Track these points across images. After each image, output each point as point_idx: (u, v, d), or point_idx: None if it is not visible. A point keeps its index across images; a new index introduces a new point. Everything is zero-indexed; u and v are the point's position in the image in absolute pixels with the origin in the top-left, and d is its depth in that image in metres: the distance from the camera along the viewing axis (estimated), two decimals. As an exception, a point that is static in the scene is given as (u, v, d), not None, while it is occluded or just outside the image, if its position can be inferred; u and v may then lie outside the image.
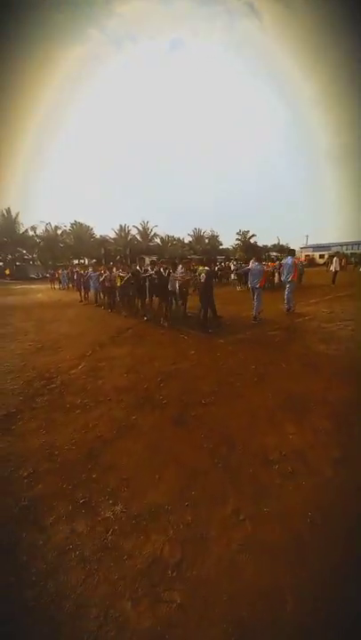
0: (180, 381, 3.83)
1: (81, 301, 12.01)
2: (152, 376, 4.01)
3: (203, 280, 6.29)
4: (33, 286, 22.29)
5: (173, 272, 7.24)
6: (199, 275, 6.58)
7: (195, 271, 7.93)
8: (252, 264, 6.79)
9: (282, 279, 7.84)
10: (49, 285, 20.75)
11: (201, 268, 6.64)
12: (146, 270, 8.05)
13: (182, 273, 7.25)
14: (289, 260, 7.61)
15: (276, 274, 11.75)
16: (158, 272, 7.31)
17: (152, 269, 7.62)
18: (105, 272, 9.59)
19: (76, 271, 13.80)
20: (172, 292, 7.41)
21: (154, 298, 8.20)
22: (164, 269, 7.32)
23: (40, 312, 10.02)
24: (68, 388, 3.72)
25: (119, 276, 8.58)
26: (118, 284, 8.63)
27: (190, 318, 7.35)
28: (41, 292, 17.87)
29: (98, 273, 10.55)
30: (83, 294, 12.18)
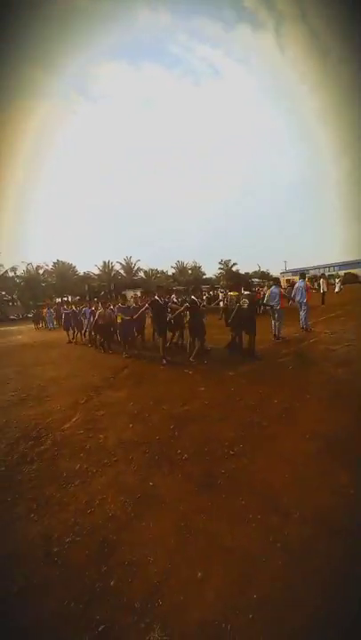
0: (197, 427, 3.26)
1: (69, 342, 10.84)
2: (162, 423, 3.41)
3: (246, 306, 5.73)
4: (13, 328, 21.16)
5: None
6: (238, 301, 5.98)
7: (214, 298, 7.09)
8: (272, 288, 7.10)
9: (296, 300, 8.02)
10: (31, 326, 19.73)
11: (234, 293, 6.17)
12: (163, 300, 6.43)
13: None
14: (301, 283, 7.93)
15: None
16: (192, 301, 5.95)
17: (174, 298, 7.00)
18: (97, 309, 8.49)
19: (63, 309, 12.51)
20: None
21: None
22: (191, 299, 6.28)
23: (22, 355, 9.19)
24: (61, 450, 3.03)
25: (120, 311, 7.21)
26: (119, 321, 7.21)
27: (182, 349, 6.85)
28: (22, 333, 16.88)
29: (91, 309, 9.21)
30: (71, 333, 11.01)
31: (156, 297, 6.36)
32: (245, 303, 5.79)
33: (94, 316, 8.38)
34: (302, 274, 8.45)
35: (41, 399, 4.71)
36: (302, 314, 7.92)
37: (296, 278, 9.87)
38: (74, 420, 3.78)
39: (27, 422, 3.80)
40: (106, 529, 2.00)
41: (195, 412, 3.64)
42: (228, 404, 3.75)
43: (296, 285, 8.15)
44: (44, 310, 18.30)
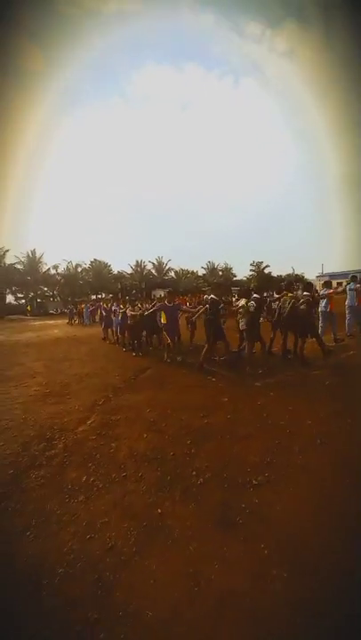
0: (217, 444, 2.91)
1: (104, 338, 10.38)
2: (179, 436, 3.12)
3: (303, 307, 5.41)
4: (51, 322, 22.36)
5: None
6: (295, 303, 5.62)
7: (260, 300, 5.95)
8: (350, 284, 7.27)
9: (346, 304, 7.59)
10: (66, 320, 20.63)
11: (290, 295, 5.68)
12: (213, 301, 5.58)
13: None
14: (351, 285, 7.45)
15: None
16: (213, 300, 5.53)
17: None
18: (126, 308, 8.03)
19: (102, 306, 10.97)
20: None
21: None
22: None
23: (53, 349, 9.50)
24: (71, 457, 2.88)
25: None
26: (164, 321, 6.43)
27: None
28: (57, 327, 17.70)
29: (121, 308, 8.49)
30: (108, 333, 10.24)
31: (213, 296, 5.68)
32: (303, 304, 5.43)
33: (124, 316, 8.09)
34: (353, 276, 7.86)
35: (62, 396, 4.68)
36: (348, 318, 7.47)
37: (334, 282, 9.11)
38: (89, 422, 3.64)
39: (43, 421, 3.75)
40: (103, 563, 1.75)
41: (215, 426, 3.29)
42: (254, 421, 3.34)
43: (347, 287, 7.58)
44: (82, 306, 18.84)
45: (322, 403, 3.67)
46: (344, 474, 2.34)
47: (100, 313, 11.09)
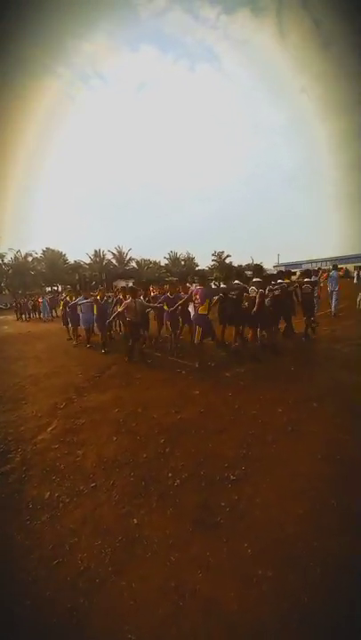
0: (192, 441, 2.82)
1: (70, 339, 8.54)
2: (151, 436, 2.97)
3: (309, 291, 6.08)
4: (0, 317, 20.31)
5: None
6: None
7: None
8: (332, 272, 8.82)
9: (329, 289, 8.98)
10: (17, 315, 18.81)
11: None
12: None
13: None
14: (334, 273, 8.81)
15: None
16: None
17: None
18: (118, 298, 6.83)
19: (63, 298, 9.28)
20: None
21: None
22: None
23: (3, 347, 8.59)
24: (30, 471, 2.56)
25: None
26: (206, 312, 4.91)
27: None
28: (7, 323, 16.10)
29: (92, 299, 7.09)
30: (72, 330, 8.46)
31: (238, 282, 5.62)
32: (308, 289, 6.10)
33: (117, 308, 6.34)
34: (335, 265, 9.52)
35: (16, 402, 4.20)
36: (335, 300, 8.73)
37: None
38: (50, 429, 3.30)
39: (-5, 432, 3.31)
40: (76, 590, 1.56)
41: (189, 421, 3.20)
42: (227, 413, 3.32)
43: (331, 275, 8.99)
44: (39, 300, 16.58)
45: (289, 389, 3.80)
46: (316, 460, 2.41)
47: (64, 308, 8.62)
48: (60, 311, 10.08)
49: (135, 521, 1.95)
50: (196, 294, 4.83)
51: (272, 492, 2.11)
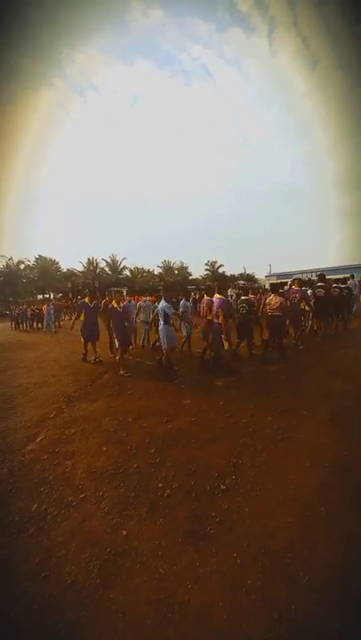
0: (182, 451, 2.82)
1: (84, 356, 6.63)
2: (142, 445, 2.95)
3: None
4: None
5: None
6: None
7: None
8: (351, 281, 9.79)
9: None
10: (8, 324, 18.45)
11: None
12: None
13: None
14: (352, 282, 9.64)
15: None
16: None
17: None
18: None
19: (82, 303, 6.91)
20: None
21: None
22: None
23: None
24: (18, 483, 2.50)
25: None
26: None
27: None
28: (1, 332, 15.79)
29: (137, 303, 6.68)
30: (87, 344, 6.51)
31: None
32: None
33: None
34: (352, 275, 10.05)
35: (4, 412, 4.12)
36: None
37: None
38: (39, 439, 3.24)
39: (-18, 443, 3.23)
40: (62, 603, 1.53)
41: (180, 431, 3.20)
42: (218, 422, 3.33)
43: (350, 283, 9.39)
44: (44, 307, 13.69)
45: (279, 397, 3.84)
46: (306, 467, 2.44)
47: (84, 317, 6.42)
48: (66, 321, 8.91)
49: (125, 532, 1.93)
50: (215, 306, 4.99)
51: (261, 500, 2.12)
